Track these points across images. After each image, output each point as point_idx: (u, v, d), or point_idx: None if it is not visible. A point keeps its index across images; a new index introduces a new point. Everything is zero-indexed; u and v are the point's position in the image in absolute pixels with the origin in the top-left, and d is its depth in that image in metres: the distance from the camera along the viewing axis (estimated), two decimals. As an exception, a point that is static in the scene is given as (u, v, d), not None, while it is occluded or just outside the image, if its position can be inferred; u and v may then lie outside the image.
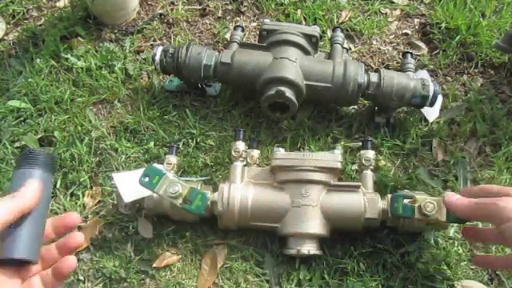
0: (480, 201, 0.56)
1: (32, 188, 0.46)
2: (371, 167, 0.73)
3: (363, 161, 0.73)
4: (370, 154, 0.74)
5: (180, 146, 0.83)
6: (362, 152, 0.75)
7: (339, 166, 0.70)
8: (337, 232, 0.70)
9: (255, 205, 0.69)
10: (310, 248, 0.67)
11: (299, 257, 0.69)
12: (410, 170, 0.80)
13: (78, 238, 0.50)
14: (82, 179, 0.81)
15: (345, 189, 0.70)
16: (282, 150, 0.72)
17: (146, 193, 0.70)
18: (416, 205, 0.63)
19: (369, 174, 0.73)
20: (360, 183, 0.71)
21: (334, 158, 0.70)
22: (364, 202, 0.68)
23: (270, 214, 0.69)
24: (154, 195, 0.70)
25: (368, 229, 0.70)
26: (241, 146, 0.75)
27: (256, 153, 0.76)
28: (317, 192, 0.69)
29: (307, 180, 0.69)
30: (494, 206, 0.54)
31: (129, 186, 0.72)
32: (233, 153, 0.75)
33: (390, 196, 0.69)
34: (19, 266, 0.47)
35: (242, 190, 0.70)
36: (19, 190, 0.46)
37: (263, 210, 0.69)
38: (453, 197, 0.60)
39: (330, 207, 0.68)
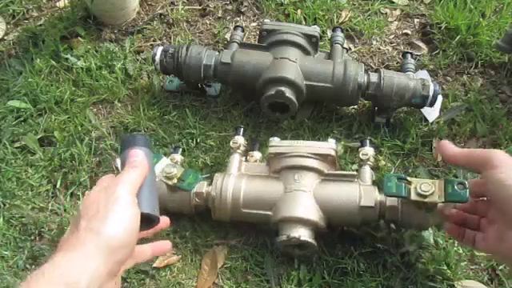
0: (472, 149, 0.58)
1: (141, 157, 0.54)
2: (369, 163, 0.72)
3: (361, 156, 0.73)
4: (368, 150, 0.74)
5: (184, 144, 0.83)
6: (360, 149, 0.75)
7: (332, 152, 0.69)
8: (334, 224, 0.68)
9: (248, 192, 0.68)
10: (301, 233, 0.64)
11: (291, 244, 0.66)
12: (410, 170, 0.80)
13: (169, 245, 0.61)
14: (82, 179, 0.81)
15: (340, 178, 0.69)
16: (277, 139, 0.73)
17: None
18: (411, 186, 0.60)
19: (367, 169, 0.72)
20: (356, 173, 0.70)
21: (327, 145, 0.70)
22: (360, 190, 0.67)
23: (262, 201, 0.68)
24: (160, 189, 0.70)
25: (366, 222, 0.68)
26: (240, 139, 0.75)
27: (257, 154, 0.76)
28: (310, 179, 0.68)
29: (300, 166, 0.68)
30: (486, 153, 0.54)
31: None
32: (231, 144, 0.75)
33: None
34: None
35: (236, 179, 0.70)
36: (133, 161, 0.53)
37: (255, 197, 0.68)
38: (447, 143, 0.59)
39: (324, 195, 0.67)
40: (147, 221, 0.52)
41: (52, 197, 0.80)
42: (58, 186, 0.81)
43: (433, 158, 0.82)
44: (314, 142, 0.71)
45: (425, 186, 0.59)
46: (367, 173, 0.71)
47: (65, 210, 0.78)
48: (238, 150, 0.74)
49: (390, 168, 0.80)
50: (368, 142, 0.75)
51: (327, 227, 0.68)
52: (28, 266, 0.73)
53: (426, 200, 0.59)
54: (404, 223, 0.68)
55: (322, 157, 0.69)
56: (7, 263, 0.73)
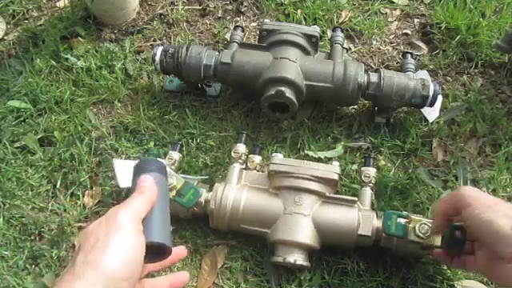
0: (443, 197, 0.60)
1: (150, 182, 0.52)
2: (371, 184, 0.72)
3: (363, 177, 0.72)
4: (371, 171, 0.72)
5: (184, 144, 0.83)
6: (362, 168, 0.73)
7: (336, 177, 0.68)
8: (327, 245, 0.68)
9: (247, 207, 0.69)
10: (297, 258, 0.65)
11: (285, 266, 0.67)
12: (410, 170, 0.80)
13: (187, 276, 0.60)
14: (82, 179, 0.81)
15: (340, 202, 0.69)
16: (280, 156, 0.72)
17: None
18: (410, 225, 0.60)
19: (368, 191, 0.71)
20: (356, 198, 0.69)
21: (331, 168, 0.69)
22: (358, 217, 0.67)
23: (261, 219, 0.68)
24: None
25: (360, 247, 0.68)
26: (241, 148, 0.75)
27: (257, 159, 0.76)
28: (310, 202, 0.68)
29: (301, 188, 0.68)
30: (457, 194, 0.56)
31: (126, 172, 0.72)
32: (232, 154, 0.74)
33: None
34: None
35: (236, 191, 0.70)
36: (141, 187, 0.51)
37: (255, 213, 0.68)
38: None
39: (323, 219, 0.67)
40: (158, 251, 0.49)
41: (52, 197, 0.80)
42: (58, 185, 0.81)
43: (433, 157, 0.82)
44: (317, 165, 0.70)
45: (424, 229, 0.59)
46: (367, 195, 0.71)
47: (65, 210, 0.78)
48: (240, 160, 0.74)
49: (390, 168, 0.80)
50: (372, 160, 0.74)
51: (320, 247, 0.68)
52: (28, 266, 0.73)
53: (424, 242, 0.60)
54: (398, 253, 0.67)
55: (325, 181, 0.68)
56: (7, 263, 0.73)
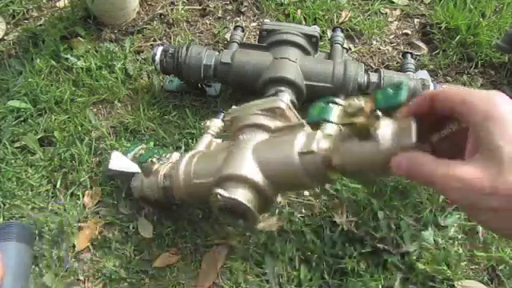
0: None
1: None
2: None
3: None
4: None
5: (184, 144, 0.83)
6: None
7: (281, 105, 0.60)
8: (281, 187, 0.58)
9: (197, 164, 0.63)
10: (235, 194, 0.54)
11: (226, 206, 0.55)
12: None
13: None
14: (82, 179, 0.81)
15: (286, 132, 0.58)
16: (234, 107, 0.67)
17: (130, 168, 0.75)
18: (339, 106, 0.46)
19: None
20: (303, 122, 0.56)
21: (276, 99, 0.63)
22: (302, 137, 0.54)
23: (209, 169, 0.61)
24: (140, 176, 0.72)
25: (310, 175, 0.53)
26: (217, 122, 0.75)
27: (218, 122, 0.75)
28: (254, 136, 0.59)
29: (246, 125, 0.61)
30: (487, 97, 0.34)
31: (120, 160, 0.77)
32: (205, 124, 0.75)
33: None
34: None
35: (192, 154, 0.66)
36: None
37: (203, 167, 0.62)
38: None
39: (263, 151, 0.57)
40: None
41: (52, 197, 0.80)
42: (58, 185, 0.81)
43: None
44: (261, 101, 0.63)
45: (354, 104, 0.42)
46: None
47: (65, 210, 0.78)
48: (210, 131, 0.73)
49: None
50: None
51: (275, 191, 0.56)
52: (28, 266, 0.73)
53: (356, 120, 0.43)
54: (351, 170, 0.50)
55: (270, 111, 0.60)
56: (7, 263, 0.73)
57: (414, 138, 0.39)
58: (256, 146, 0.58)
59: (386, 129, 0.43)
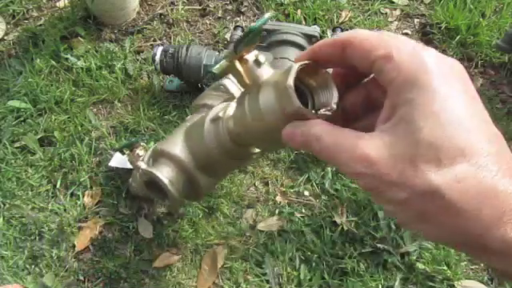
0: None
1: None
2: None
3: None
4: None
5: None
6: None
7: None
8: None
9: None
10: (158, 170, 0.52)
11: (151, 184, 0.54)
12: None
13: None
14: (82, 179, 0.81)
15: None
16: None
17: (128, 165, 0.76)
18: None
19: None
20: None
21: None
22: (220, 106, 0.51)
23: None
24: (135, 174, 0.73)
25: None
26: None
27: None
28: (198, 115, 0.58)
29: (201, 104, 0.62)
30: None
31: (121, 159, 0.79)
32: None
33: None
34: None
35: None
36: None
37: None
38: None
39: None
40: None
41: (52, 197, 0.80)
42: (58, 185, 0.81)
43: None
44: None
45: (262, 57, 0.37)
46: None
47: (65, 210, 0.78)
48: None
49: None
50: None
51: (202, 172, 0.53)
52: (28, 266, 0.73)
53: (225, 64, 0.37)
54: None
55: (216, 89, 0.61)
56: (7, 263, 0.73)
57: (296, 102, 0.27)
58: (191, 124, 0.55)
59: (267, 88, 0.32)
